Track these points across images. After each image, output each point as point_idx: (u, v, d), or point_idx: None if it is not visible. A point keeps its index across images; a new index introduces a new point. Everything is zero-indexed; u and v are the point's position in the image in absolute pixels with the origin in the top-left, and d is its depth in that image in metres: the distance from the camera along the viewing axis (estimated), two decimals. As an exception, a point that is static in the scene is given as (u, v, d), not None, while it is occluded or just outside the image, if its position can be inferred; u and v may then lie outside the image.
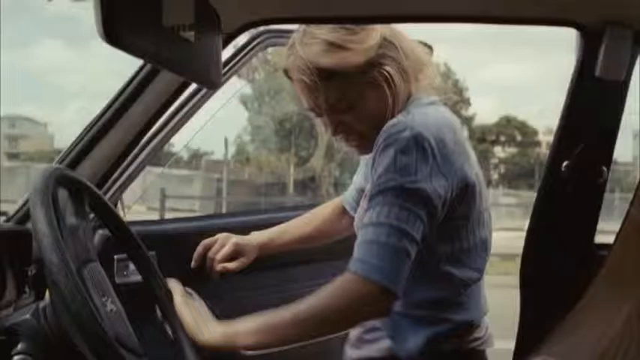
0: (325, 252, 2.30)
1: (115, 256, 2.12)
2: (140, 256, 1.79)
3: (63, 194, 1.52)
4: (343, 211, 2.20)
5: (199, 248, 2.05)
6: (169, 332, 1.73)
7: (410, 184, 1.54)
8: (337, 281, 1.53)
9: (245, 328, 1.57)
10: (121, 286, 2.08)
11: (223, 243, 2.05)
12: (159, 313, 1.76)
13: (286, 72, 1.75)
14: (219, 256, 2.03)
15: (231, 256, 2.04)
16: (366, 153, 1.81)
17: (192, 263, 2.02)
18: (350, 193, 2.18)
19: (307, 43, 1.69)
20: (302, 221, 2.23)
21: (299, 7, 1.72)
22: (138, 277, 1.82)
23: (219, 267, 2.02)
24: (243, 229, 2.14)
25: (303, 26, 1.74)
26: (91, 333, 1.29)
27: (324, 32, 1.68)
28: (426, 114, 1.64)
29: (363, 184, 2.06)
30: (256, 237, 2.13)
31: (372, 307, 1.54)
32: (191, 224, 2.44)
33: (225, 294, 2.28)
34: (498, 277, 10.21)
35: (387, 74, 1.69)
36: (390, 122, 1.61)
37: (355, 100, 1.69)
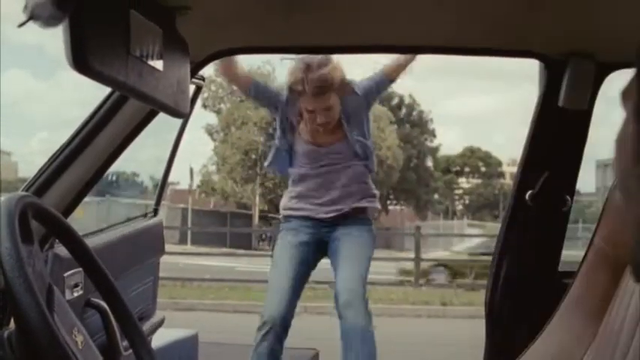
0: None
1: (65, 275, 2.06)
2: (108, 288, 1.77)
3: (27, 221, 1.50)
4: None
5: None
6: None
7: None
8: None
9: None
10: (70, 302, 2.04)
11: None
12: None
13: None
14: None
15: None
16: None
17: None
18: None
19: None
20: None
21: (266, 38, 1.74)
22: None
23: None
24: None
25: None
26: None
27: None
28: None
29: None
30: None
31: None
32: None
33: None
34: (463, 308, 10.25)
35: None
36: None
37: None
